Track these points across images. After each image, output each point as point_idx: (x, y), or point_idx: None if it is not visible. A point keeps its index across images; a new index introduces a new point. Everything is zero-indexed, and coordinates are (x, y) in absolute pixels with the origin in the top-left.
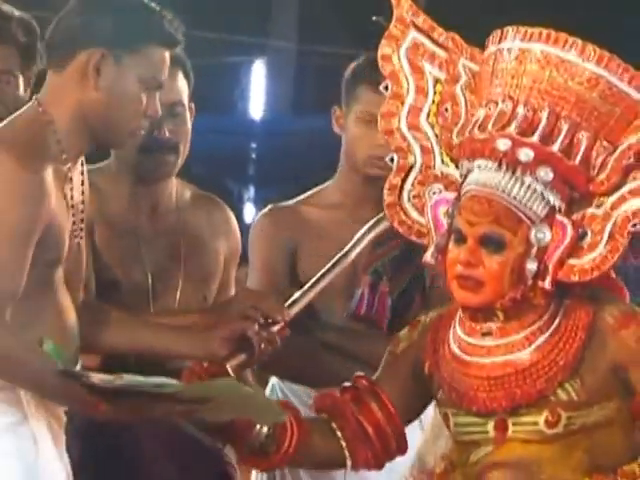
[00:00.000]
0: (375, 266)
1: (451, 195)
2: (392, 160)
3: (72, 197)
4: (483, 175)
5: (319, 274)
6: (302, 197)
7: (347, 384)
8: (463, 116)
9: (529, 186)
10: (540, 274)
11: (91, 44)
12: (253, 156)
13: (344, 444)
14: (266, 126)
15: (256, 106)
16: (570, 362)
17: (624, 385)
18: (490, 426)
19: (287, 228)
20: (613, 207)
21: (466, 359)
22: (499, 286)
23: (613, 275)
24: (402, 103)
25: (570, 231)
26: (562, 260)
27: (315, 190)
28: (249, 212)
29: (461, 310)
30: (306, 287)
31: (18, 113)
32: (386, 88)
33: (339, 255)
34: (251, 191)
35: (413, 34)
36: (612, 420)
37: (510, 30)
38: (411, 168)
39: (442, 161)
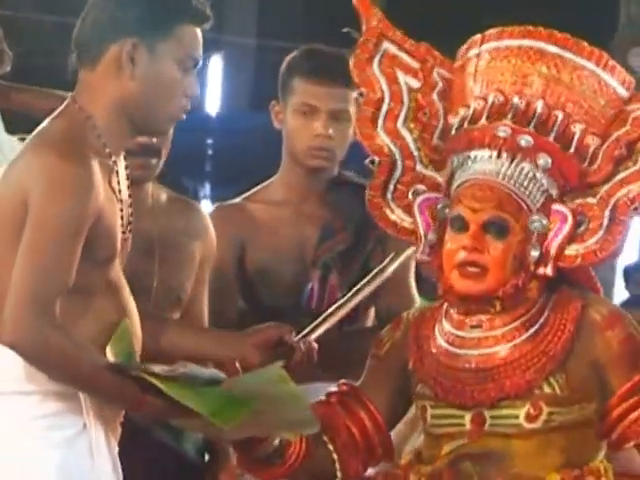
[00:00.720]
0: (324, 259)
1: (437, 194)
2: (372, 163)
3: (119, 191)
4: (480, 165)
5: (352, 292)
6: (248, 194)
7: (333, 390)
8: (441, 121)
9: (528, 173)
10: (541, 261)
11: (121, 36)
12: (209, 153)
13: (335, 457)
14: (223, 122)
15: (213, 102)
16: (559, 353)
17: (602, 385)
18: (467, 419)
19: (234, 225)
20: (609, 194)
21: (455, 351)
22: (502, 273)
23: (593, 274)
24: (377, 109)
25: (570, 219)
26: (562, 247)
27: (260, 186)
28: (205, 210)
29: (457, 304)
30: (339, 303)
31: (55, 113)
32: (361, 94)
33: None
34: (207, 188)
35: (385, 45)
36: (589, 422)
37: (492, 32)
38: (392, 170)
39: (422, 164)
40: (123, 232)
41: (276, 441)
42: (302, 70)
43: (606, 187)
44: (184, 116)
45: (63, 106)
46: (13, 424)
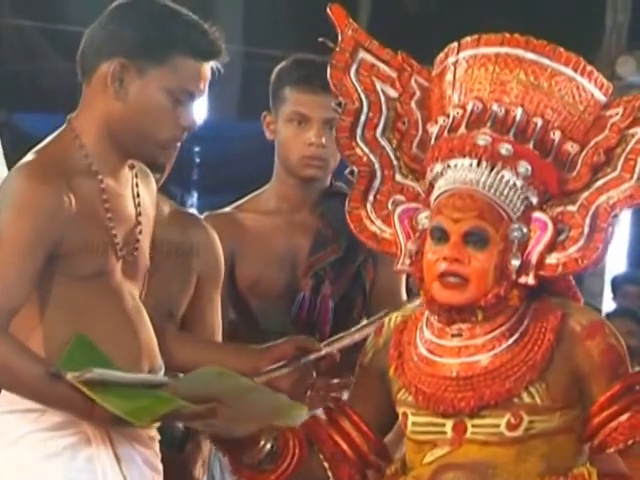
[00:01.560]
0: (316, 269)
1: (416, 205)
2: (352, 173)
3: (108, 209)
4: (460, 173)
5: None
6: (238, 203)
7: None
8: (420, 130)
9: (508, 182)
10: (522, 270)
11: (113, 55)
12: (197, 160)
13: (326, 465)
14: (210, 130)
15: (200, 110)
16: (539, 363)
17: (584, 394)
18: (448, 427)
19: (224, 235)
20: (589, 201)
21: (435, 360)
22: (483, 283)
23: (573, 283)
24: (356, 119)
25: (551, 227)
26: (543, 256)
27: (251, 196)
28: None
29: (438, 313)
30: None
31: (57, 131)
32: (339, 105)
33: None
34: (194, 196)
35: (362, 55)
36: (570, 427)
37: (468, 39)
38: (371, 180)
39: (402, 174)
40: (119, 250)
41: (268, 446)
42: (293, 80)
43: (586, 194)
44: (177, 145)
45: (62, 127)
46: (12, 437)
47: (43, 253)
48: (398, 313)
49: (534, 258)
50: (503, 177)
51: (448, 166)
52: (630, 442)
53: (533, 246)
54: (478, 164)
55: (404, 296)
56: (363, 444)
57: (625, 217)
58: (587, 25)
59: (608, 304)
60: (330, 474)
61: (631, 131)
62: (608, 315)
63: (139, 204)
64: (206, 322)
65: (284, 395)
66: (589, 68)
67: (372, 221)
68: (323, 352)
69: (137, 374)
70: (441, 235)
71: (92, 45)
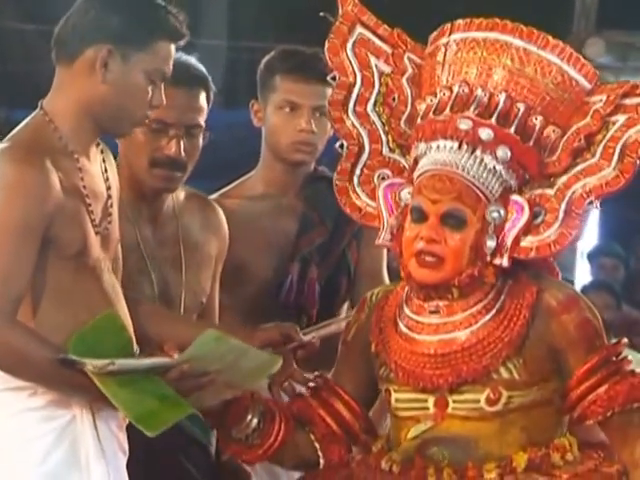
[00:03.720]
0: (303, 253)
1: (400, 180)
2: (342, 147)
3: (85, 187)
4: (442, 155)
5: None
6: (224, 190)
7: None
8: (409, 106)
9: (488, 165)
10: (497, 252)
11: (99, 41)
12: None
13: (317, 445)
14: None
15: None
16: (515, 339)
17: (561, 368)
18: (430, 403)
19: None
20: (566, 186)
21: (414, 337)
22: (458, 263)
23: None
24: (349, 93)
25: (527, 210)
26: (518, 238)
27: (237, 182)
28: None
29: (416, 290)
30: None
31: (29, 117)
32: (334, 78)
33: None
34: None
35: (359, 30)
36: (549, 400)
37: (461, 22)
38: (359, 154)
39: (389, 148)
40: (96, 226)
41: (254, 422)
42: (283, 69)
43: (564, 179)
44: (146, 122)
45: (34, 113)
46: (3, 416)
47: (39, 236)
48: (380, 288)
49: (509, 240)
50: (482, 160)
51: (431, 147)
52: (609, 414)
53: (509, 228)
54: (459, 147)
55: (386, 278)
56: (354, 423)
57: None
58: (557, 8)
59: (581, 277)
60: (320, 454)
61: (613, 118)
62: (585, 288)
63: (107, 179)
64: (214, 299)
65: (265, 352)
66: (575, 55)
67: (358, 195)
68: (305, 340)
69: (147, 359)
70: (420, 215)
71: (74, 31)
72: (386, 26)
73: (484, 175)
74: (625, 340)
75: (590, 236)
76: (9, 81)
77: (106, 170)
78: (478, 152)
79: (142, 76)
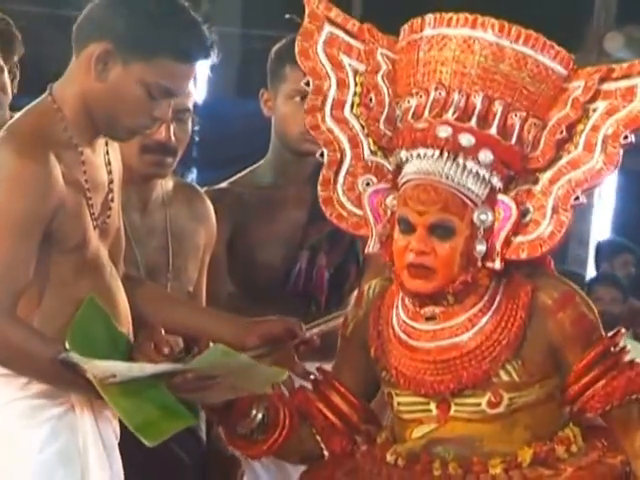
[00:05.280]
0: (312, 241)
1: (385, 185)
2: (322, 155)
3: (87, 181)
4: (424, 163)
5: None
6: (234, 178)
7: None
8: (387, 105)
9: (471, 170)
10: (488, 255)
11: (103, 39)
12: (196, 139)
13: (318, 437)
14: (209, 109)
15: (199, 90)
16: (512, 341)
17: (561, 364)
18: (433, 405)
19: (223, 209)
20: (552, 181)
21: (412, 344)
22: (450, 271)
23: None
24: (325, 97)
25: (514, 210)
26: (508, 239)
27: (246, 171)
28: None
29: (411, 298)
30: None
31: (33, 103)
32: (307, 84)
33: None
34: (194, 173)
35: (328, 28)
36: (551, 396)
37: (432, 17)
38: (341, 161)
39: (370, 151)
40: (95, 219)
41: (259, 417)
42: (293, 58)
43: (548, 174)
44: (147, 132)
45: (42, 96)
46: (0, 402)
47: (40, 231)
48: (377, 281)
49: (499, 243)
50: (465, 167)
51: (412, 155)
52: (607, 408)
53: (498, 230)
54: (440, 154)
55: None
56: (353, 415)
57: (611, 182)
58: (576, 3)
59: (593, 271)
60: (323, 446)
61: (592, 105)
62: (591, 282)
63: (110, 171)
64: (201, 289)
65: (271, 368)
66: (548, 43)
67: (342, 204)
68: (308, 336)
69: (149, 366)
70: (407, 227)
71: (87, 21)
72: (355, 21)
73: (468, 181)
74: (623, 330)
75: (603, 231)
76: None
77: (109, 162)
78: (460, 159)
79: (138, 86)
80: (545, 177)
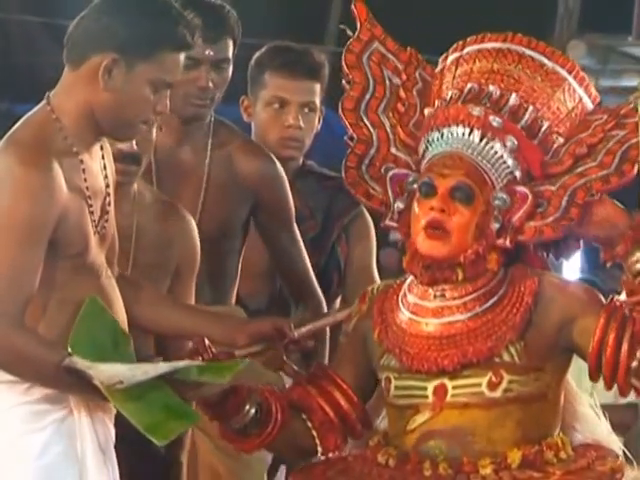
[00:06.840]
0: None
1: (407, 171)
2: (351, 139)
3: (87, 188)
4: (453, 140)
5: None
6: None
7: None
8: (417, 113)
9: (496, 152)
10: (501, 233)
11: (105, 48)
12: None
13: (314, 433)
14: None
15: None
16: (518, 323)
17: (564, 344)
18: (429, 390)
19: None
20: (568, 184)
21: (418, 320)
22: (464, 238)
23: (548, 264)
24: (362, 95)
25: (530, 198)
26: (522, 222)
27: None
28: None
29: (421, 271)
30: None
31: (30, 113)
32: (348, 82)
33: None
34: None
35: (376, 44)
36: (544, 395)
37: (474, 37)
38: (369, 148)
39: (396, 148)
40: (96, 226)
41: (252, 412)
42: (273, 65)
43: (566, 178)
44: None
45: (39, 106)
46: (2, 408)
47: (47, 237)
48: (381, 283)
49: (513, 222)
50: (492, 147)
51: (442, 134)
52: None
53: (513, 212)
54: (470, 132)
55: (375, 272)
56: (352, 413)
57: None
58: (540, 11)
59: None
60: (318, 442)
61: (613, 132)
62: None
63: (106, 176)
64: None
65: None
66: (582, 74)
67: (365, 181)
68: (297, 336)
69: (151, 369)
70: (429, 189)
71: (84, 34)
72: (400, 46)
73: (492, 161)
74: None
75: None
76: (11, 74)
77: (105, 167)
78: (488, 138)
79: (145, 85)
80: (562, 179)
